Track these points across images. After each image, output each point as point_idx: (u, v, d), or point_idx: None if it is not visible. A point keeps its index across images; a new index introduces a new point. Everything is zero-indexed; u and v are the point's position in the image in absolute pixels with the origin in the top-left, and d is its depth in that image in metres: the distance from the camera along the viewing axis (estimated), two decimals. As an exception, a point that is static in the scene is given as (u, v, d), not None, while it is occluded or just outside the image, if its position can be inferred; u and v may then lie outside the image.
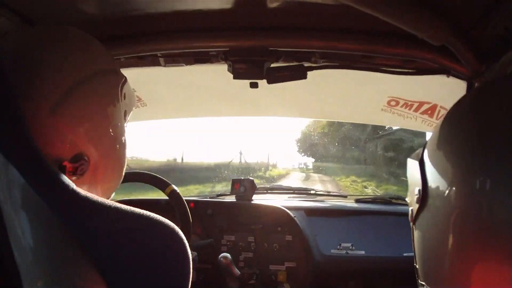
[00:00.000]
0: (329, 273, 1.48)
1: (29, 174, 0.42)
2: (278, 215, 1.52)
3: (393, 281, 1.47)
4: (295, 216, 1.51)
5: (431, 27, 0.79)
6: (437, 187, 0.48)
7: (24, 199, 0.41)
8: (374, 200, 1.82)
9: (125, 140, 0.64)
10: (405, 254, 1.47)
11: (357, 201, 1.81)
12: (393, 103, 1.50)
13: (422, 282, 0.53)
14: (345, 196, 1.90)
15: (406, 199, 0.61)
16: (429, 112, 1.50)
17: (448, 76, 1.03)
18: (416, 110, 1.50)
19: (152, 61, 1.11)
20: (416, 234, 0.56)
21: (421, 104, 1.48)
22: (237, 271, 1.08)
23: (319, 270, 1.45)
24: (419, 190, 0.51)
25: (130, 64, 1.13)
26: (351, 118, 1.87)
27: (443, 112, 1.48)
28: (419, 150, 0.56)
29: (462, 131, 0.48)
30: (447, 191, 0.45)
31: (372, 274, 1.49)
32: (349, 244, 1.49)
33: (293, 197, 1.90)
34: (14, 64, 0.50)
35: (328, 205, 1.78)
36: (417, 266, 0.56)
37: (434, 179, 0.49)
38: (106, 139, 0.59)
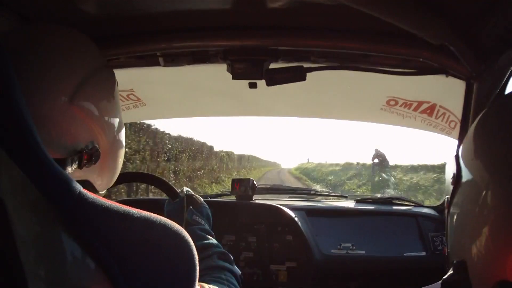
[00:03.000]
0: (329, 273, 1.48)
1: (36, 176, 0.42)
2: (278, 215, 1.52)
3: (394, 281, 1.47)
4: (295, 216, 1.51)
5: (431, 27, 0.80)
6: (471, 173, 0.53)
7: (29, 200, 0.41)
8: (374, 201, 1.82)
9: (123, 128, 0.69)
10: (405, 254, 1.47)
11: (358, 201, 1.81)
12: (392, 102, 1.51)
13: (452, 260, 0.55)
14: (345, 197, 1.90)
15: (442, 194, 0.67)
16: (428, 111, 1.50)
17: (447, 76, 1.04)
18: (415, 109, 1.51)
19: (152, 61, 1.11)
20: (450, 214, 0.59)
21: (420, 103, 1.49)
22: (237, 271, 1.08)
23: (320, 270, 1.45)
24: (454, 173, 0.56)
25: (130, 64, 1.13)
26: (350, 118, 1.87)
27: (442, 112, 1.48)
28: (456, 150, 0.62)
29: (499, 133, 0.51)
30: (481, 181, 0.50)
31: (372, 274, 1.49)
32: (349, 244, 1.49)
33: (293, 198, 1.90)
34: (21, 61, 0.52)
35: (328, 205, 1.78)
36: (448, 250, 0.60)
37: (468, 165, 0.54)
38: (113, 127, 0.63)
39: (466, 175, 0.54)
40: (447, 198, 0.61)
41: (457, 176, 0.56)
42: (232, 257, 0.90)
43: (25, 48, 0.55)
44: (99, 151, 0.59)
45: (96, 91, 0.59)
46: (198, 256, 0.55)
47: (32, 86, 0.52)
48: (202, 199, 1.01)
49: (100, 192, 0.65)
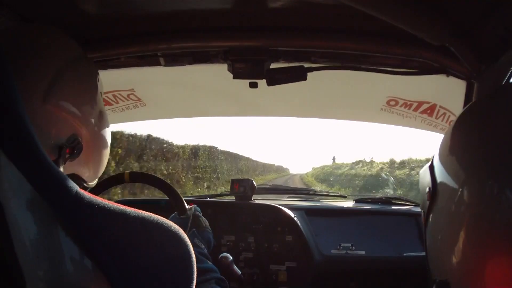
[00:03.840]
0: (329, 273, 1.48)
1: (33, 176, 0.42)
2: (278, 215, 1.52)
3: (393, 281, 1.47)
4: (295, 216, 1.51)
5: (431, 27, 0.80)
6: (447, 185, 0.52)
7: (27, 200, 0.41)
8: (373, 201, 1.82)
9: (107, 119, 0.69)
10: (405, 254, 1.47)
11: (357, 201, 1.81)
12: (392, 102, 1.50)
13: (434, 278, 0.54)
14: (344, 197, 1.90)
15: (417, 204, 0.65)
16: (429, 111, 1.50)
17: (447, 76, 1.04)
18: (415, 109, 1.51)
19: (152, 61, 1.11)
20: (428, 231, 0.58)
21: (420, 103, 1.49)
22: (238, 271, 1.08)
23: (320, 270, 1.45)
24: (429, 188, 0.56)
25: (130, 64, 1.12)
26: (350, 118, 1.87)
27: (443, 112, 1.48)
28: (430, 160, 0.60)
29: (473, 136, 0.50)
30: (457, 190, 0.48)
31: (372, 274, 1.49)
32: (349, 244, 1.49)
33: (293, 198, 1.90)
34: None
35: (328, 205, 1.78)
36: (428, 266, 0.59)
37: (444, 178, 0.53)
38: (93, 117, 0.64)
39: (441, 181, 0.53)
40: (423, 212, 0.60)
41: (433, 191, 0.55)
42: (228, 283, 0.91)
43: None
44: (81, 143, 0.59)
45: (71, 85, 0.60)
46: (196, 279, 0.54)
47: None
48: (207, 223, 1.00)
49: (90, 183, 0.67)
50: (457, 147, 0.53)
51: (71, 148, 0.58)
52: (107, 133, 0.69)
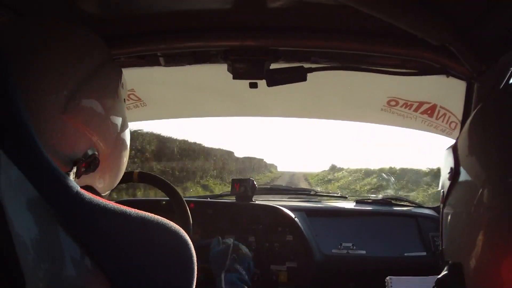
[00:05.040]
0: (330, 273, 1.48)
1: (34, 176, 0.42)
2: (278, 216, 1.52)
3: None
4: (295, 217, 1.51)
5: (431, 27, 0.79)
6: (469, 168, 0.52)
7: (27, 200, 0.41)
8: (374, 201, 1.82)
9: (128, 127, 0.65)
10: (406, 254, 1.47)
11: (357, 202, 1.81)
12: (392, 103, 1.51)
13: (447, 259, 0.54)
14: (345, 197, 1.90)
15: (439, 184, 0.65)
16: (429, 112, 1.50)
17: (448, 76, 1.03)
18: (416, 110, 1.51)
19: (152, 61, 1.11)
20: (445, 213, 0.58)
21: (420, 104, 1.49)
22: None
23: (320, 270, 1.45)
24: (451, 167, 0.55)
25: (130, 64, 1.13)
26: (351, 118, 1.87)
27: (443, 112, 1.48)
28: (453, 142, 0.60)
29: (496, 129, 0.50)
30: (478, 178, 0.49)
31: (373, 273, 1.49)
32: (350, 244, 1.49)
33: (293, 198, 1.90)
34: (15, 64, 0.49)
35: (328, 206, 1.78)
36: (442, 248, 0.59)
37: (467, 160, 0.53)
38: (113, 129, 0.60)
39: (462, 172, 0.53)
40: (443, 192, 0.59)
41: (455, 170, 0.54)
42: None
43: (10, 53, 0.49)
44: (97, 158, 0.56)
45: (93, 95, 0.56)
46: None
47: (25, 95, 0.47)
48: (247, 250, 1.04)
49: (103, 194, 0.63)
50: (481, 138, 0.52)
51: (87, 163, 0.55)
52: (127, 145, 0.65)
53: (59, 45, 0.54)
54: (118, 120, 0.61)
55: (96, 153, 0.56)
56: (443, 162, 0.61)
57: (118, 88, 0.62)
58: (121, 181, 1.03)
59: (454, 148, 0.56)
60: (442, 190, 0.60)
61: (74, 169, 0.53)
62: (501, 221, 0.44)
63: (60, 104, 0.52)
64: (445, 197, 0.58)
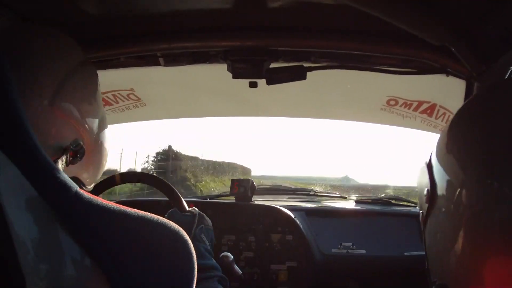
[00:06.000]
0: (330, 272, 1.48)
1: (33, 175, 0.42)
2: (278, 216, 1.52)
3: (394, 280, 1.47)
4: (295, 217, 1.51)
5: (431, 27, 0.80)
6: (445, 186, 0.50)
7: (27, 200, 0.41)
8: (374, 201, 1.82)
9: (106, 122, 0.69)
10: (406, 254, 1.47)
11: (357, 202, 1.81)
12: (392, 102, 1.51)
13: (434, 280, 0.54)
14: (344, 198, 1.90)
15: (416, 204, 0.64)
16: (428, 111, 1.50)
17: (447, 76, 1.04)
18: (415, 109, 1.51)
19: (152, 61, 1.11)
20: (427, 233, 0.58)
21: (420, 103, 1.49)
22: (238, 271, 1.08)
23: (320, 269, 1.46)
24: (427, 190, 0.54)
25: (130, 64, 1.12)
26: (350, 118, 1.87)
27: (442, 112, 1.48)
28: (428, 158, 0.58)
29: (471, 135, 0.49)
30: (456, 191, 0.47)
31: (373, 273, 1.49)
32: (349, 244, 1.49)
33: (293, 198, 1.90)
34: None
35: (328, 206, 1.78)
36: (428, 266, 0.58)
37: (442, 179, 0.51)
38: (95, 122, 0.64)
39: (440, 182, 0.51)
40: (422, 212, 0.59)
41: (431, 192, 0.53)
42: (229, 283, 0.92)
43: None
44: (83, 147, 0.60)
45: (77, 90, 0.60)
46: (198, 274, 0.54)
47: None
48: (210, 222, 1.02)
49: (88, 186, 0.67)
50: (456, 145, 0.52)
51: (74, 151, 0.58)
52: (107, 137, 0.70)
53: (44, 47, 0.58)
54: (99, 113, 0.66)
55: (82, 143, 0.60)
56: (419, 179, 0.60)
57: (97, 84, 0.67)
58: (106, 187, 1.04)
59: (429, 166, 0.55)
60: (421, 212, 0.59)
61: (64, 157, 0.56)
62: (480, 224, 0.43)
63: (48, 97, 0.55)
64: (425, 218, 0.57)
